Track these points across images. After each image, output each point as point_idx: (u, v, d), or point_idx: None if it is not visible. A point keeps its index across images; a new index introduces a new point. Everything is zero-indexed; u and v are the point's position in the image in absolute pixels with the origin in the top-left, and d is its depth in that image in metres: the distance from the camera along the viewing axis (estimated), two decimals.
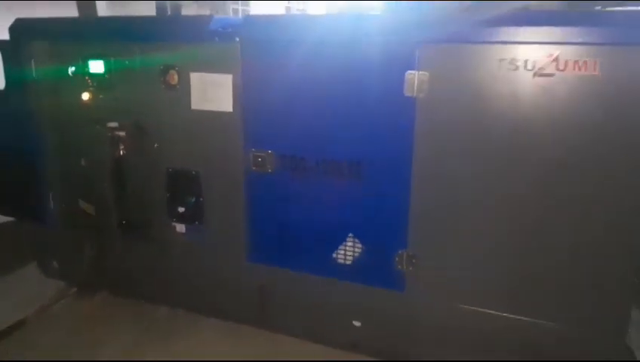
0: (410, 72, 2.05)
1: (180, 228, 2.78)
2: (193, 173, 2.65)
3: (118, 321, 2.96)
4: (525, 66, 1.90)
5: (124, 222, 2.97)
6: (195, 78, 2.50)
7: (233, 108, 2.43)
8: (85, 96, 2.87)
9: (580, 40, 1.81)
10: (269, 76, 2.32)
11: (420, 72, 2.04)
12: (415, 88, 2.05)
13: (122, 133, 2.86)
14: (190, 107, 2.54)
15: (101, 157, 2.88)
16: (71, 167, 3.04)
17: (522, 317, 2.14)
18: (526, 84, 1.92)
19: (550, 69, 1.88)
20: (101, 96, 2.84)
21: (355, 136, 2.22)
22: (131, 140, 2.84)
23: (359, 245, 2.34)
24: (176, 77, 2.55)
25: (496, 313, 2.17)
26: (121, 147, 2.88)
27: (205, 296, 2.86)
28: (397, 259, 2.27)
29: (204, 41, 2.41)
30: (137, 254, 2.97)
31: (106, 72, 2.78)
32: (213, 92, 2.46)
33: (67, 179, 3.07)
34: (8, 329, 2.84)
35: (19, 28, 2.89)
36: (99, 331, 2.87)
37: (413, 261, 2.24)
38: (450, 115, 2.05)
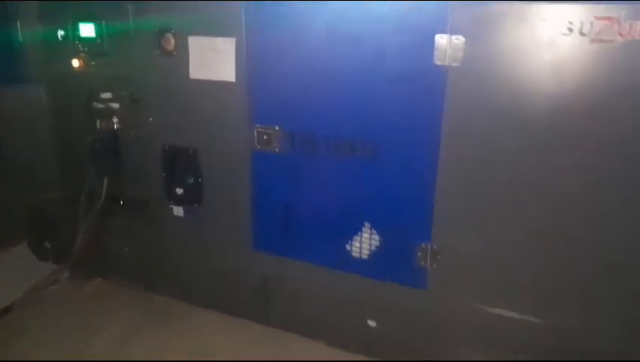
0: (441, 35, 1.74)
1: (178, 210, 2.53)
2: (191, 150, 2.38)
3: (111, 309, 2.73)
4: (580, 30, 1.59)
5: (120, 202, 2.74)
6: (193, 42, 2.21)
7: (236, 77, 2.14)
8: (76, 63, 2.61)
9: None
10: (276, 41, 2.02)
11: (454, 37, 1.73)
12: (447, 56, 1.75)
13: (116, 105, 2.60)
14: (188, 76, 2.25)
15: (94, 131, 2.64)
16: (62, 141, 2.81)
17: (556, 325, 1.86)
18: (580, 51, 1.60)
19: (610, 35, 1.56)
20: (93, 63, 2.58)
21: (373, 109, 1.92)
22: (126, 113, 2.58)
23: (376, 236, 2.07)
24: (172, 41, 2.26)
25: (525, 318, 1.89)
26: (115, 120, 2.63)
27: (204, 286, 2.61)
28: (419, 253, 1.99)
29: None
30: (133, 237, 2.74)
31: (97, 36, 2.50)
32: (213, 59, 2.17)
33: (59, 153, 2.84)
34: None
35: None
36: (90, 319, 2.65)
37: (438, 257, 1.96)
38: (488, 89, 1.74)
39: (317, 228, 2.19)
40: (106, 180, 2.66)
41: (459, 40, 1.72)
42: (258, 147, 2.19)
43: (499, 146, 1.78)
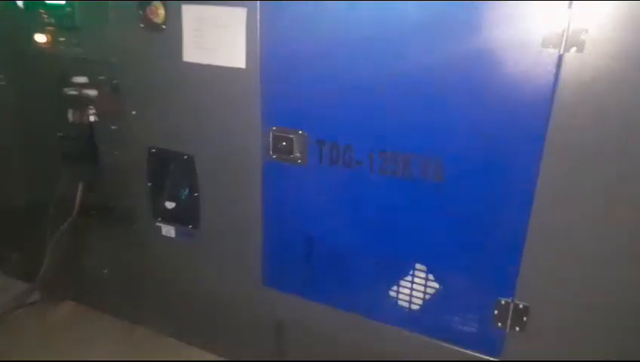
0: (558, 3, 1.17)
1: (168, 230, 1.98)
2: (185, 156, 1.82)
3: (86, 340, 2.22)
4: None
5: (97, 213, 2.20)
6: (188, 13, 1.64)
7: (247, 62, 1.57)
8: (41, 38, 2.04)
9: None
10: (305, 14, 1.45)
11: (579, 11, 1.16)
12: (565, 39, 1.18)
13: (93, 92, 2.04)
14: (181, 58, 1.69)
15: (66, 126, 2.09)
16: (26, 136, 2.26)
17: None
18: None
19: None
20: (62, 40, 2.01)
21: (442, 115, 1.36)
22: (105, 103, 2.03)
23: (433, 283, 1.53)
24: (161, 11, 1.69)
25: None
26: (92, 111, 2.07)
27: (201, 323, 2.08)
28: (496, 311, 1.45)
29: None
30: (114, 257, 2.21)
31: (67, 3, 1.93)
32: (216, 36, 1.60)
33: (22, 151, 2.30)
34: None
35: None
36: (59, 352, 2.14)
37: (524, 319, 1.42)
38: (626, 93, 1.18)
39: (350, 264, 1.64)
40: (80, 186, 2.14)
41: (587, 14, 1.15)
42: (274, 156, 1.63)
43: (630, 173, 1.23)
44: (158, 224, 1.98)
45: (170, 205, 1.94)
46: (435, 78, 1.33)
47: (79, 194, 2.15)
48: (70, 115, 2.08)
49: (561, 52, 1.18)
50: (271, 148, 1.62)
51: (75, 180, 2.15)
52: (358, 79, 1.43)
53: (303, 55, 1.49)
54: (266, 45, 1.52)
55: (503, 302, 1.43)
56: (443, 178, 1.39)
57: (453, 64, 1.30)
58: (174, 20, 1.66)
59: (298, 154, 1.59)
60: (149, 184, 1.94)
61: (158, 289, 2.12)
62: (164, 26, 1.69)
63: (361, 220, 1.56)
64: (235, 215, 1.80)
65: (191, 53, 1.66)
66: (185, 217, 1.91)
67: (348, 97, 1.46)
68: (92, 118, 2.06)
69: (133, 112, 1.90)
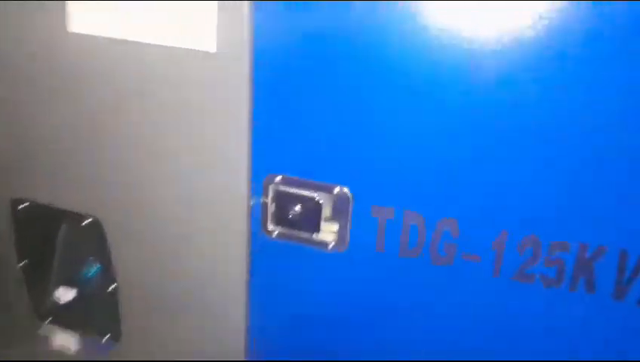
0: None
1: (64, 340, 1.10)
2: (90, 219, 0.94)
3: None
4: None
5: None
6: None
7: (220, 42, 0.71)
8: None
9: None
10: None
11: None
12: None
13: None
14: (64, 27, 0.79)
15: None
16: None
17: None
18: None
19: None
20: None
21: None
22: None
23: None
24: None
25: None
26: None
27: None
28: None
29: None
30: None
31: None
32: None
33: None
34: None
35: None
36: None
37: None
38: None
39: None
40: None
41: None
42: (275, 231, 0.81)
43: None
44: (44, 330, 1.10)
45: (65, 296, 1.06)
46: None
47: None
48: None
49: None
50: (270, 217, 0.80)
51: None
52: (477, 87, 0.63)
53: (346, 28, 0.66)
54: (263, 9, 0.67)
55: None
56: None
57: None
58: None
59: (330, 231, 0.78)
60: (23, 263, 1.04)
61: None
62: None
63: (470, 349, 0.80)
64: (193, 329, 0.96)
65: (84, 17, 0.76)
66: (95, 319, 1.05)
67: (449, 122, 0.66)
68: None
69: None
